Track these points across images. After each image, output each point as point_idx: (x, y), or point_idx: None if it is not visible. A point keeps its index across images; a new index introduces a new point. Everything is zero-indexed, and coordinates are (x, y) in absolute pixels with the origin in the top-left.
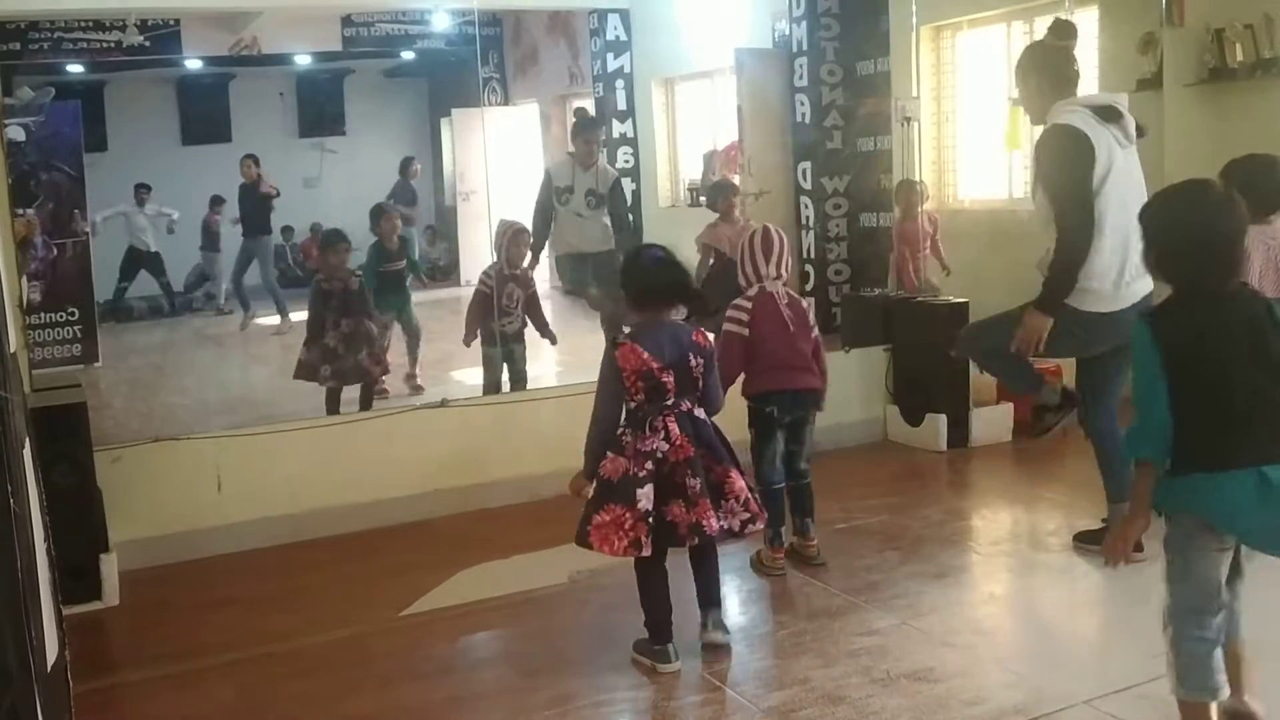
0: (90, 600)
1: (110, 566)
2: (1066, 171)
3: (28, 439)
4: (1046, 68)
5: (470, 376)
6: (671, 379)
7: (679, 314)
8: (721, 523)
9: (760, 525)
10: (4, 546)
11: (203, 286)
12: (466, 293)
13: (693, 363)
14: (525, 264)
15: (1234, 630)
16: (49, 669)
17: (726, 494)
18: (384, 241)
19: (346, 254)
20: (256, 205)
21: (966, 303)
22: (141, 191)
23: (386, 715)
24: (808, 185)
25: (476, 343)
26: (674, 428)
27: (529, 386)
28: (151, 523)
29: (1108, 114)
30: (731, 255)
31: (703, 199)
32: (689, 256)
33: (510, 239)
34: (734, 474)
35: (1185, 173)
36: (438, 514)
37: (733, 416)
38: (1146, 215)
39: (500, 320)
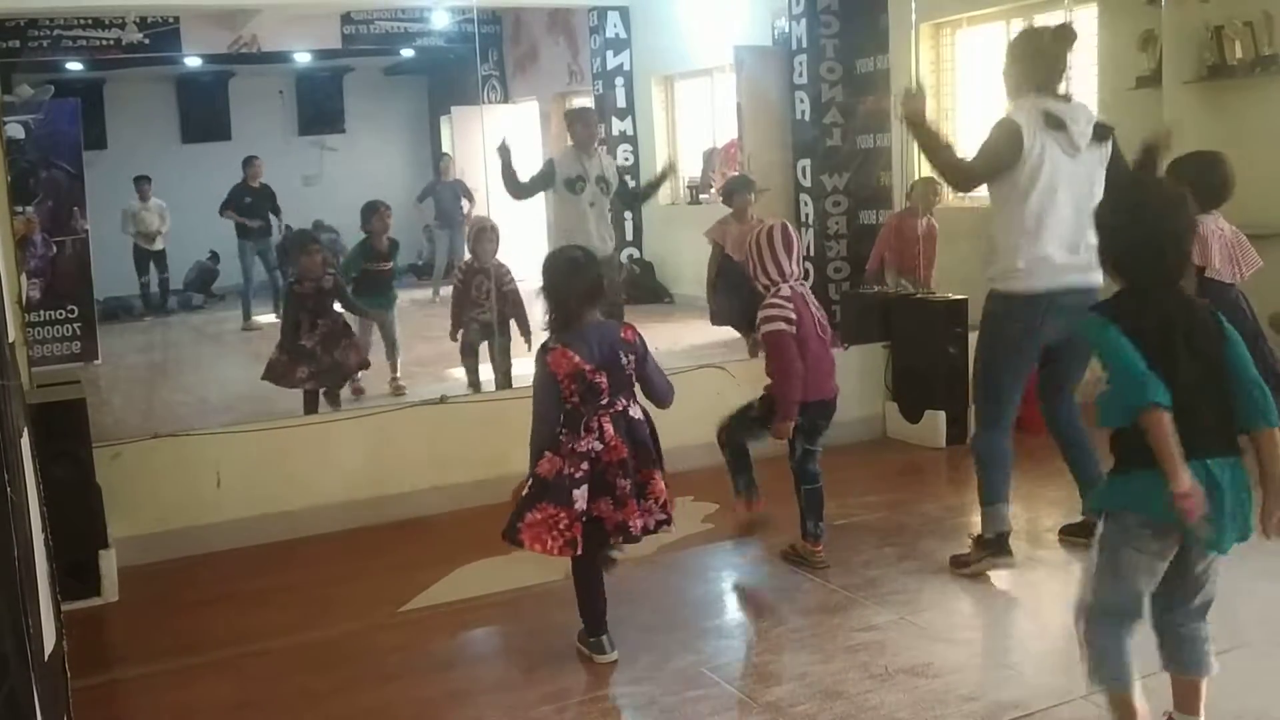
0: (90, 596)
1: (110, 562)
2: (989, 152)
3: (25, 429)
4: (1034, 64)
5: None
6: (605, 379)
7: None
8: (641, 521)
9: (671, 529)
10: (1, 534)
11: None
12: None
13: (623, 360)
14: (494, 259)
15: (1193, 659)
16: (46, 658)
17: (647, 494)
18: (373, 240)
19: (317, 254)
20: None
21: (965, 300)
22: (143, 184)
23: (386, 711)
24: (807, 183)
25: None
26: (609, 428)
27: (515, 385)
28: (151, 519)
29: (1052, 122)
30: (732, 253)
31: (703, 196)
32: (685, 253)
33: (476, 235)
34: (657, 475)
35: None
36: (436, 510)
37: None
38: (1099, 213)
39: (472, 310)
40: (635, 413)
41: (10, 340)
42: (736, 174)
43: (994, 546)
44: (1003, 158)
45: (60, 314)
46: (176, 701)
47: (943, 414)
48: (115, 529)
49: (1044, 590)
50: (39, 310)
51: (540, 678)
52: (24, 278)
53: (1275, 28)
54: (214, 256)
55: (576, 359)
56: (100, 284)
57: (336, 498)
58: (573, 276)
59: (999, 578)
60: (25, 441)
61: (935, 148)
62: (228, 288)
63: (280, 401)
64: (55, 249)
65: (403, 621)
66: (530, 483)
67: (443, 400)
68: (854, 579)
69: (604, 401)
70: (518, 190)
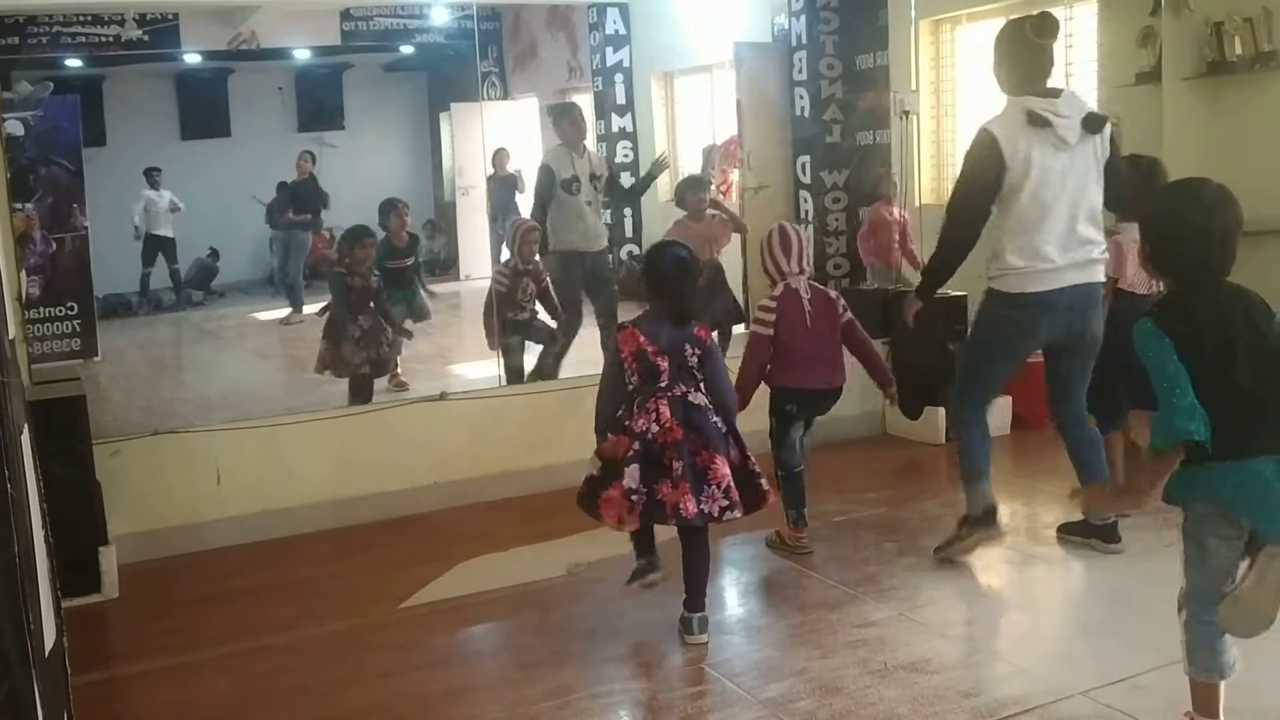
0: (90, 593)
1: (109, 559)
2: (968, 176)
3: (26, 426)
4: (1016, 60)
5: (469, 370)
6: (666, 363)
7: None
8: (701, 507)
9: (738, 514)
10: (1, 531)
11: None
12: (466, 287)
13: (688, 351)
14: (536, 259)
15: None
16: (47, 654)
17: (709, 480)
18: (392, 237)
19: (372, 249)
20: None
21: (965, 295)
22: (154, 174)
23: (385, 707)
24: (807, 179)
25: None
26: (664, 410)
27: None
28: (151, 516)
29: (1035, 120)
30: (697, 255)
31: (702, 194)
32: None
33: (523, 236)
34: (719, 460)
35: (1184, 165)
36: (436, 507)
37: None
38: (1146, 213)
39: (517, 314)
40: (696, 399)
41: (10, 337)
42: (685, 176)
43: (982, 523)
44: (981, 178)
45: (60, 311)
46: (176, 698)
47: (942, 410)
48: (115, 526)
49: (1042, 587)
50: (39, 307)
51: (541, 674)
52: (24, 275)
53: (1275, 24)
54: (214, 254)
55: (642, 339)
56: (100, 281)
57: (336, 494)
58: (685, 278)
59: (997, 574)
60: (25, 438)
61: (936, 265)
62: (227, 285)
63: (281, 398)
64: (55, 246)
65: (402, 618)
66: (604, 463)
67: (442, 397)
68: (853, 575)
69: (662, 384)
70: (537, 209)
